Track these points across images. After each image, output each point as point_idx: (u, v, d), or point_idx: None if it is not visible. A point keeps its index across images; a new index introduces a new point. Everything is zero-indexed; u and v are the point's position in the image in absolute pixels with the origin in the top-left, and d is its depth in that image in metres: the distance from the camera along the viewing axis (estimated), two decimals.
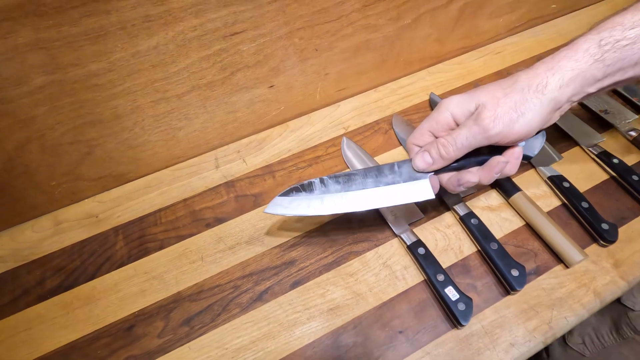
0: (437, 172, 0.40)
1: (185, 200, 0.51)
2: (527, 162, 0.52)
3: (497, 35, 0.67)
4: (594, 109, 0.57)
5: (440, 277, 0.42)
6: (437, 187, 0.41)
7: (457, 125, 0.38)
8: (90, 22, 0.36)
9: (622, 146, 0.53)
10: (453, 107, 0.38)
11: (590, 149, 0.52)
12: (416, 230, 0.47)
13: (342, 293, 0.43)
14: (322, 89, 0.57)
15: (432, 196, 0.40)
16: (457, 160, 0.39)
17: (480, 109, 0.36)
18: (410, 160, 0.41)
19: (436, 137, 0.40)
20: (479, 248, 0.45)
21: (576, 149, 0.54)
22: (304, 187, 0.42)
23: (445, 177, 0.40)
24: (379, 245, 0.47)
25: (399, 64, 0.61)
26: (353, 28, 0.51)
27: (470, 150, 0.37)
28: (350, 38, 0.52)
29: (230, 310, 0.42)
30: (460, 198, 0.49)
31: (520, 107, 0.35)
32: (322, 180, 0.41)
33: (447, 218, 0.48)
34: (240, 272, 0.45)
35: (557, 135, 0.55)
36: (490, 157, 0.39)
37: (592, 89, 0.36)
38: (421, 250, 0.44)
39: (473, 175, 0.39)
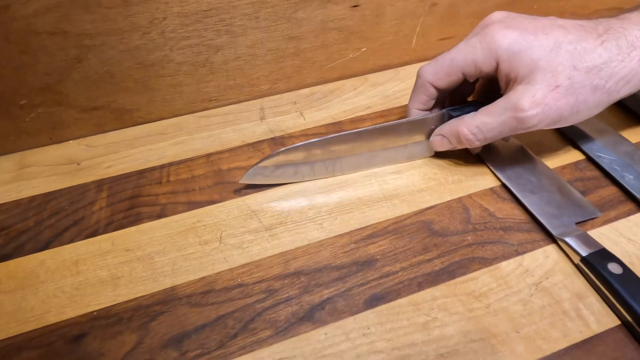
0: None
1: (209, 155, 0.34)
2: None
3: None
4: None
5: None
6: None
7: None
8: None
9: None
10: (509, 56, 0.26)
11: None
12: (590, 234, 0.27)
13: (461, 327, 0.23)
14: (422, 30, 0.40)
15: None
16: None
17: (523, 85, 0.26)
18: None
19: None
20: None
21: None
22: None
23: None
24: (524, 252, 0.27)
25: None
26: None
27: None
28: None
29: (255, 330, 0.23)
30: None
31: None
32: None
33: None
34: (281, 268, 0.26)
35: None
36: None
37: None
38: (615, 268, 0.24)
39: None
